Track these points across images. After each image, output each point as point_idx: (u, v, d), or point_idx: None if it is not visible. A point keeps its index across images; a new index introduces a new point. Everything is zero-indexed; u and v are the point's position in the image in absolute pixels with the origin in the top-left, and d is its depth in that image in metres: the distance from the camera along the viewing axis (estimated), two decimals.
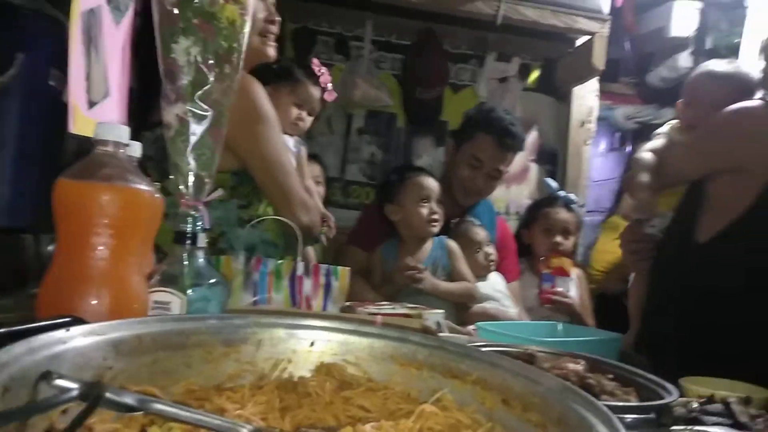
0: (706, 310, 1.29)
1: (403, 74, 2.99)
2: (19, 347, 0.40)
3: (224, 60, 0.69)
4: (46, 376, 0.35)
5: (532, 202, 2.58)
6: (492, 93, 3.01)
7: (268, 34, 1.31)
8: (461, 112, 2.17)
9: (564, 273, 1.99)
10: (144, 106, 1.42)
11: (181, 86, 0.67)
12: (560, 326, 1.29)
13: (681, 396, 0.71)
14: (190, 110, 0.67)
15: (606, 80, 3.05)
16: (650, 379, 0.76)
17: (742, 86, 1.54)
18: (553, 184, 2.28)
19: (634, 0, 3.09)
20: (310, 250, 1.52)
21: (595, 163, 3.18)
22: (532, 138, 3.02)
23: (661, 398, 0.68)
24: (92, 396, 0.34)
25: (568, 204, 2.12)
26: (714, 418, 0.66)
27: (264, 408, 0.51)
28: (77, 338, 0.45)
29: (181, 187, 0.68)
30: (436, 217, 1.74)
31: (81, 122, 1.04)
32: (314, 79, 1.67)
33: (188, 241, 0.68)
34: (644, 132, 3.45)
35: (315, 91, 1.67)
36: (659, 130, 1.83)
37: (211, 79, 0.68)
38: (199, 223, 0.68)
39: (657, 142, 1.74)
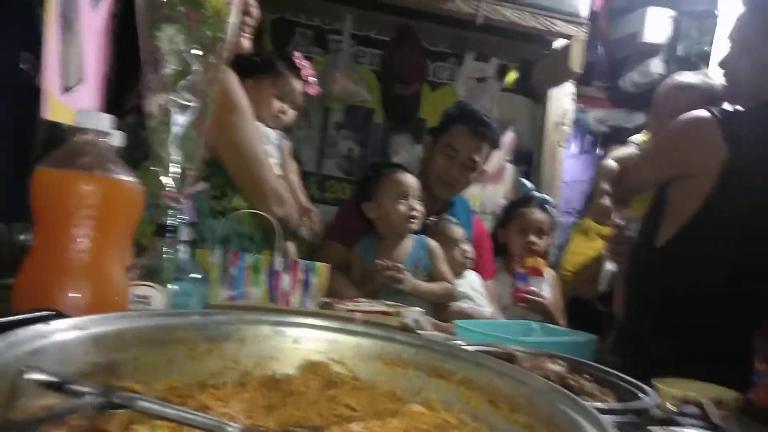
0: (667, 312, 1.35)
1: (381, 70, 2.98)
2: None
3: (209, 50, 0.67)
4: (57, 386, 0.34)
5: (508, 202, 2.60)
6: (470, 92, 3.02)
7: (245, 27, 1.29)
8: (439, 110, 2.18)
9: (538, 273, 2.02)
10: (117, 93, 1.38)
11: (164, 75, 0.65)
12: (536, 325, 1.31)
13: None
14: (173, 100, 0.66)
15: (580, 83, 3.10)
16: (626, 380, 0.78)
17: (706, 96, 1.59)
18: (528, 184, 2.31)
19: (609, 5, 3.14)
20: (291, 246, 1.50)
21: (566, 165, 3.22)
22: (508, 138, 3.05)
23: (638, 399, 0.70)
24: (106, 401, 0.33)
25: (543, 204, 2.14)
26: (689, 420, 0.68)
27: (248, 406, 0.50)
28: (58, 332, 0.44)
29: (162, 178, 0.66)
30: (414, 214, 1.74)
31: (55, 108, 1.01)
32: (296, 71, 1.65)
33: (169, 234, 0.66)
34: (615, 136, 3.51)
35: (297, 84, 1.66)
36: (633, 138, 1.88)
37: (195, 68, 0.66)
38: (181, 216, 0.67)
39: (625, 150, 1.79)
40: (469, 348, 0.82)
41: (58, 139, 1.08)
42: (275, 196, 1.32)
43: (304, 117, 2.88)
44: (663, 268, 1.38)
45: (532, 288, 1.98)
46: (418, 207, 1.76)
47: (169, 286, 0.64)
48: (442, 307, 1.74)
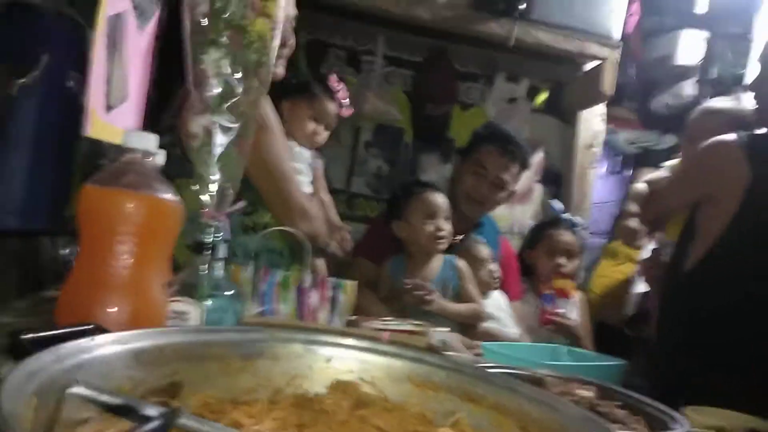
0: (695, 334, 1.35)
1: (413, 90, 3.00)
2: (46, 356, 0.40)
3: (253, 73, 0.69)
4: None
5: (536, 223, 2.58)
6: (500, 113, 3.02)
7: (280, 56, 1.32)
8: (469, 130, 2.19)
9: (566, 295, 1.99)
10: (154, 114, 1.42)
11: (210, 97, 0.67)
12: (564, 349, 1.29)
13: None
14: (216, 121, 0.68)
15: (610, 104, 3.08)
16: (657, 408, 0.76)
17: (735, 120, 1.57)
18: (558, 206, 2.29)
19: (642, 26, 3.12)
20: (320, 262, 1.52)
21: (595, 186, 3.19)
22: (537, 159, 3.03)
23: (670, 428, 0.68)
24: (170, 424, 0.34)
25: (572, 226, 2.12)
26: None
27: (280, 424, 0.51)
28: (101, 347, 0.46)
29: (203, 197, 0.68)
30: (442, 234, 1.74)
31: (97, 126, 1.04)
32: (331, 94, 1.69)
33: (206, 252, 0.68)
34: (645, 157, 3.47)
35: (332, 106, 1.70)
36: (666, 163, 1.87)
37: (239, 91, 0.68)
38: (219, 234, 0.69)
39: (656, 173, 1.79)
40: (498, 371, 0.82)
41: (98, 155, 1.12)
42: (301, 211, 1.34)
43: (335, 135, 2.89)
44: (691, 291, 1.39)
45: (560, 310, 1.96)
46: (446, 227, 1.76)
47: (206, 302, 0.65)
48: (469, 327, 1.73)
